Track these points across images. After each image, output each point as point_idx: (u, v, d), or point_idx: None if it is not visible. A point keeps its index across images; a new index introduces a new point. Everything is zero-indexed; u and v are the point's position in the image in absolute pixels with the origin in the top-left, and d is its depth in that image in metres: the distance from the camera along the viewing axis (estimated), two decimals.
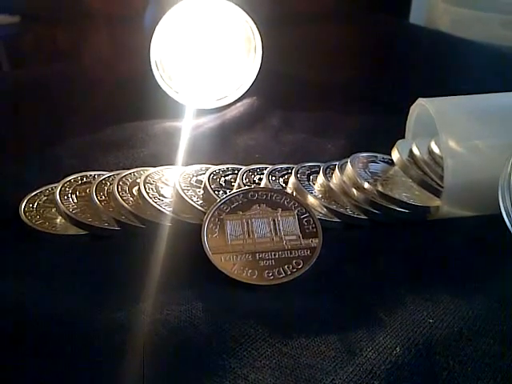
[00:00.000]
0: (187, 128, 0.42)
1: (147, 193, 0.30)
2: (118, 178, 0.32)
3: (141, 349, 0.22)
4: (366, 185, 0.31)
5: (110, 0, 0.59)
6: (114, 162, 0.36)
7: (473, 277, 0.27)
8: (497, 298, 0.25)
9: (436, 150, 0.31)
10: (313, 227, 0.28)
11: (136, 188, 0.31)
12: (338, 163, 0.33)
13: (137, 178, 0.32)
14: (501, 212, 0.27)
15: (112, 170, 0.34)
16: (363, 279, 0.27)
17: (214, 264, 0.26)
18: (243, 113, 0.44)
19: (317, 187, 0.32)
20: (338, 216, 0.30)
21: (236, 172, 0.34)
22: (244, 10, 0.42)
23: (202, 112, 0.44)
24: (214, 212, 0.28)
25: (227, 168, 0.34)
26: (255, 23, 0.43)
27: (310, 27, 0.58)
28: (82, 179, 0.33)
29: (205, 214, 0.28)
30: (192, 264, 0.27)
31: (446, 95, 0.32)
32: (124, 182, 0.32)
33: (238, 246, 0.27)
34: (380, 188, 0.30)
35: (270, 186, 0.32)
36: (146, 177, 0.32)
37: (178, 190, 0.31)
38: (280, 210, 0.29)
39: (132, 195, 0.31)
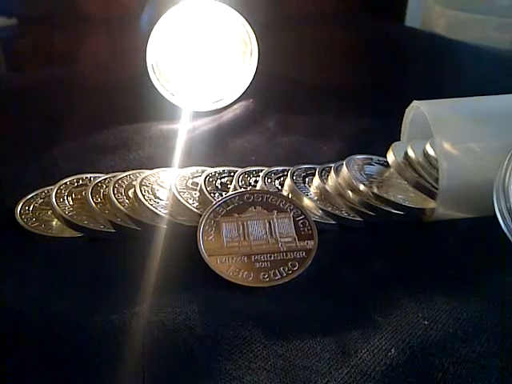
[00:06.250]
0: (183, 130, 0.42)
1: (143, 195, 0.30)
2: (113, 180, 0.32)
3: (137, 351, 0.22)
4: (362, 187, 0.31)
5: (107, 3, 0.59)
6: (110, 164, 0.36)
7: (467, 278, 0.27)
8: (491, 300, 0.25)
9: (431, 152, 0.31)
10: (308, 229, 0.28)
11: (132, 190, 0.31)
12: (333, 165, 0.33)
13: (133, 181, 0.32)
14: (495, 214, 0.27)
15: (108, 173, 0.34)
16: (358, 281, 0.27)
17: (210, 266, 0.26)
18: (239, 115, 0.44)
19: (312, 189, 0.32)
20: (334, 218, 0.30)
21: (232, 174, 0.34)
22: (240, 13, 0.42)
23: (198, 114, 0.44)
24: (209, 214, 0.28)
25: (223, 170, 0.34)
26: (251, 26, 0.43)
27: (305, 30, 0.58)
28: (77, 182, 0.33)
29: (200, 216, 0.28)
30: (188, 266, 0.27)
31: (442, 97, 0.32)
32: (120, 185, 0.32)
33: (233, 248, 0.27)
34: (375, 190, 0.31)
35: (265, 189, 0.32)
36: (142, 179, 0.32)
37: (173, 193, 0.31)
38: (276, 212, 0.29)
39: (128, 198, 0.31)
